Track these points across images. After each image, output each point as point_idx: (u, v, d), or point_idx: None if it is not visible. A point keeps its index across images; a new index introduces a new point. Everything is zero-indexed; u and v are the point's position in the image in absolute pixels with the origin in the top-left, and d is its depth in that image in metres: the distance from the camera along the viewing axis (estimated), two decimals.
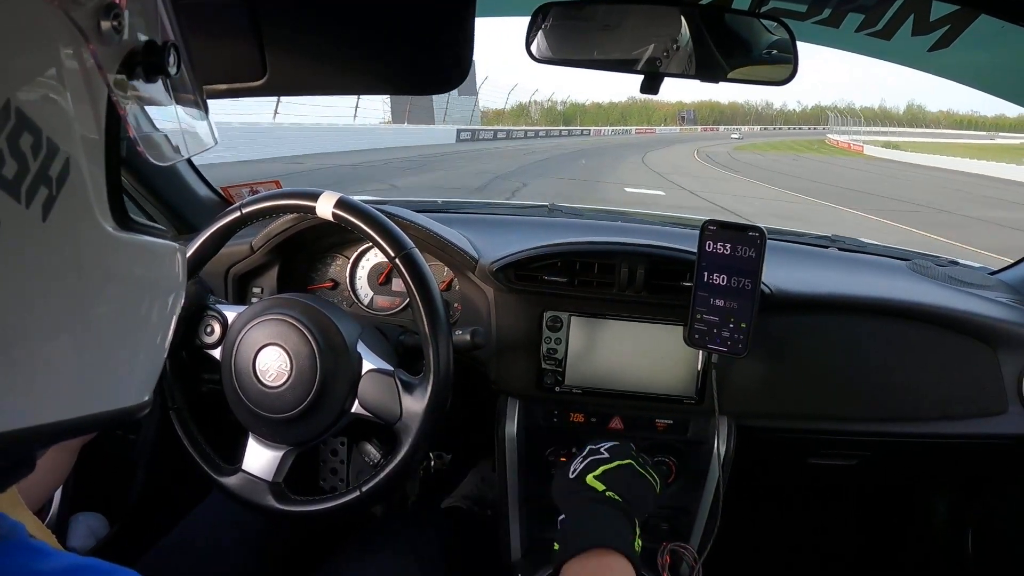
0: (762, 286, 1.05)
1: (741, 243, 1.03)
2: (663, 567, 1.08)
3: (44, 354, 0.34)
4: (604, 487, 0.86)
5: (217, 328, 0.97)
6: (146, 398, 0.43)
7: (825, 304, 1.14)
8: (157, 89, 0.41)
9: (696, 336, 1.06)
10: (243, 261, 1.17)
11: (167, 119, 0.43)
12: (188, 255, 0.98)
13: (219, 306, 0.99)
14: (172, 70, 0.40)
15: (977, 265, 1.44)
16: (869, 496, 1.67)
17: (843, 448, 1.24)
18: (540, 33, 0.99)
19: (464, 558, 1.16)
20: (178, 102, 0.43)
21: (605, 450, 0.93)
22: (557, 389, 1.11)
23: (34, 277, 0.33)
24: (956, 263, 1.43)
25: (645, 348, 1.11)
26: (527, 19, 0.99)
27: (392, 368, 0.92)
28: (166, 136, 0.44)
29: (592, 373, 1.11)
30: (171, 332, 0.46)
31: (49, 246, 0.33)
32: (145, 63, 0.39)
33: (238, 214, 0.94)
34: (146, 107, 0.41)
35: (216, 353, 0.97)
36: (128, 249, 0.39)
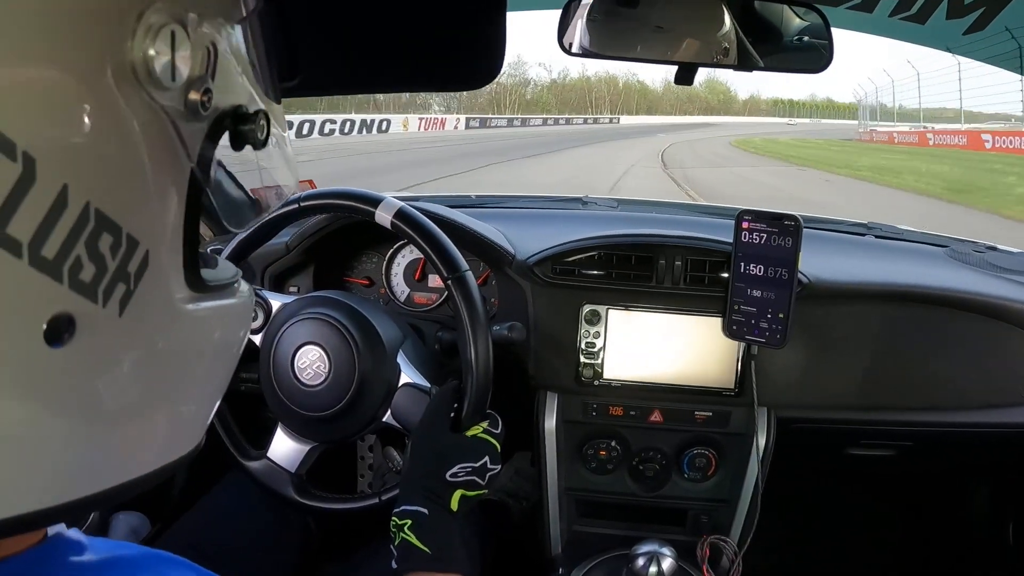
0: (799, 276, 1.04)
1: (777, 232, 1.03)
2: (703, 560, 1.08)
3: (131, 427, 0.36)
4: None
5: (261, 314, 0.98)
6: (204, 435, 0.44)
7: (863, 293, 1.13)
8: (242, 156, 0.40)
9: (734, 327, 1.05)
10: (279, 261, 1.18)
11: (251, 181, 0.43)
12: (239, 239, 0.99)
13: (264, 293, 1.00)
14: (261, 138, 0.39)
15: (1016, 250, 1.42)
16: (909, 487, 1.65)
17: (883, 439, 1.23)
18: (574, 26, 0.98)
19: (503, 552, 1.17)
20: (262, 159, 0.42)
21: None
22: (596, 383, 1.11)
23: (115, 366, 0.33)
24: (995, 248, 1.41)
25: (684, 340, 1.10)
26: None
27: (429, 386, 0.93)
28: (248, 197, 0.44)
29: (631, 366, 1.11)
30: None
31: (128, 337, 0.33)
32: (233, 132, 0.38)
33: (296, 206, 0.95)
34: (227, 175, 0.41)
35: (256, 339, 0.97)
36: (205, 319, 0.39)
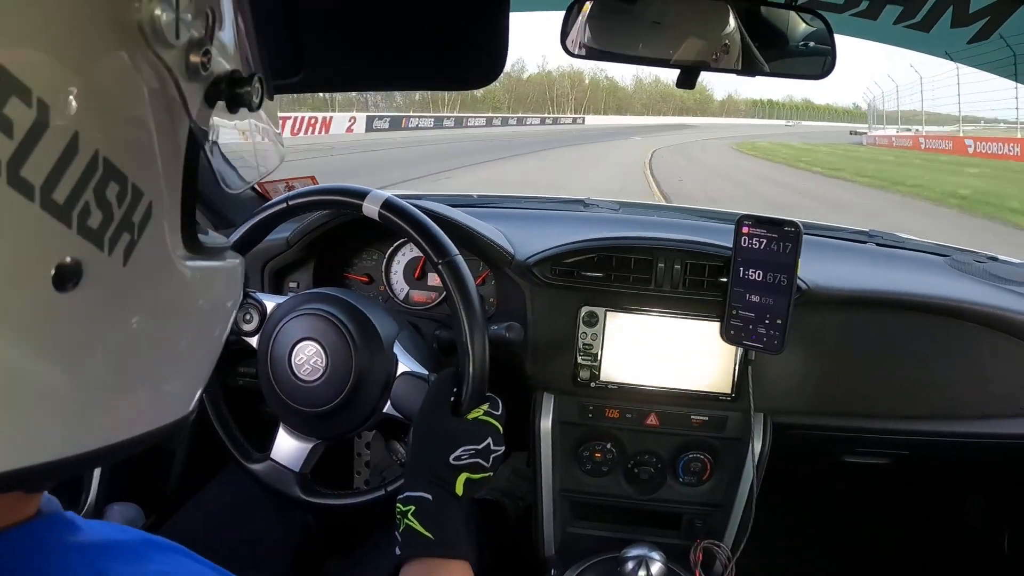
0: (798, 282, 1.04)
1: (777, 238, 1.03)
2: (696, 564, 1.08)
3: (126, 383, 0.36)
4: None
5: (256, 316, 0.98)
6: (195, 404, 0.44)
7: (863, 300, 1.13)
8: (238, 119, 0.41)
9: (732, 332, 1.05)
10: (279, 256, 1.18)
11: (243, 147, 0.44)
12: (232, 241, 0.99)
13: (258, 295, 1.00)
14: (256, 103, 0.40)
15: (1017, 261, 1.41)
16: (904, 496, 1.65)
17: (879, 447, 1.22)
18: (577, 27, 0.99)
19: (497, 551, 1.17)
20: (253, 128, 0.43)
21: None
22: (592, 385, 1.11)
23: (116, 318, 0.34)
24: (995, 259, 1.41)
25: (681, 344, 1.10)
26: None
27: (427, 372, 0.93)
28: (242, 161, 0.44)
29: (628, 369, 1.11)
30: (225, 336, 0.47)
31: (129, 288, 0.34)
32: (228, 95, 0.39)
33: (284, 205, 0.95)
34: (223, 137, 0.41)
35: (253, 341, 0.98)
36: (199, 279, 0.40)
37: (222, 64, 0.38)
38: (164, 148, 0.35)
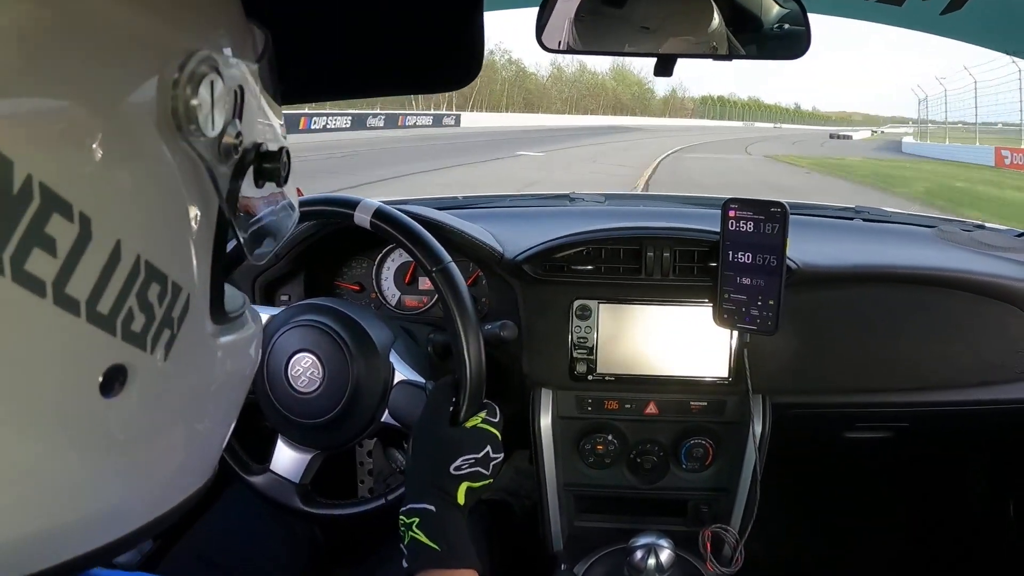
0: (788, 262, 1.04)
1: (764, 219, 1.03)
2: (706, 551, 1.08)
3: (168, 462, 0.36)
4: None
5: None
6: (218, 463, 0.44)
7: (853, 276, 1.14)
8: (265, 191, 0.40)
9: (725, 316, 1.06)
10: (269, 270, 1.18)
11: (267, 215, 0.43)
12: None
13: (252, 308, 1.00)
14: (283, 176, 0.40)
15: (1004, 228, 1.42)
16: (907, 470, 1.66)
17: (879, 420, 1.23)
18: (555, 23, 0.98)
19: (505, 550, 1.17)
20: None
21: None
22: (590, 378, 1.12)
23: (160, 409, 0.34)
24: (983, 227, 1.42)
25: (675, 331, 1.10)
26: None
27: (423, 381, 0.93)
28: (267, 229, 0.43)
29: (624, 360, 1.11)
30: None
31: (171, 379, 0.34)
32: (257, 169, 0.38)
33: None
34: (250, 210, 0.41)
35: None
36: (230, 352, 0.40)
37: (249, 138, 0.37)
38: (199, 236, 0.35)
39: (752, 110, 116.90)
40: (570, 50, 1.03)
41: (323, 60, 0.63)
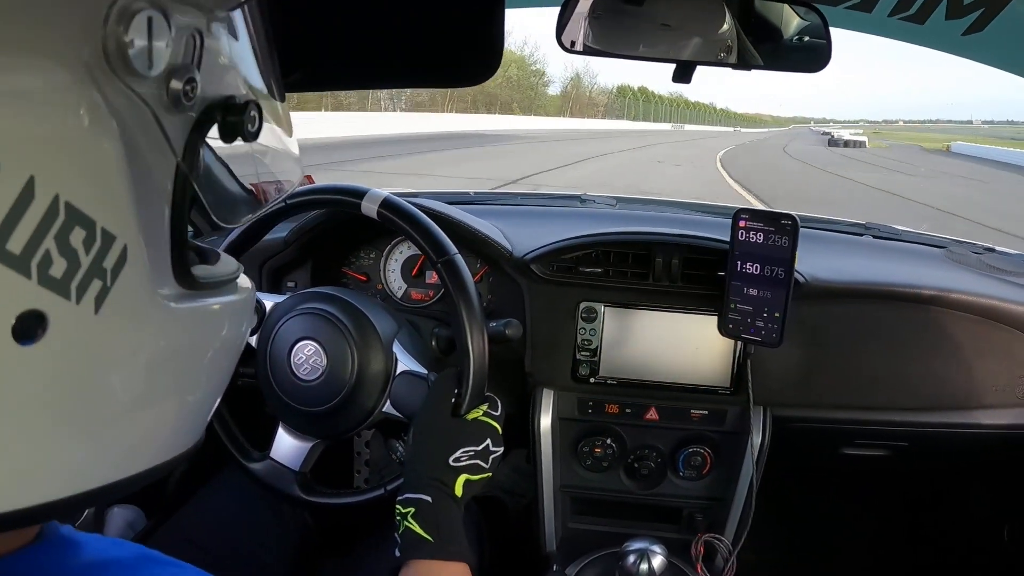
0: (796, 275, 1.04)
1: (774, 231, 1.03)
2: (697, 558, 1.08)
3: (119, 425, 0.35)
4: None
5: (254, 316, 0.99)
6: (203, 432, 0.43)
7: (860, 293, 1.13)
8: (235, 148, 0.38)
9: (730, 326, 1.05)
10: (277, 255, 1.18)
11: (246, 174, 0.41)
12: (230, 239, 0.99)
13: (256, 294, 1.00)
14: (252, 130, 0.37)
15: (1014, 252, 1.42)
16: (904, 487, 1.65)
17: (878, 438, 1.23)
18: (575, 23, 0.98)
19: (499, 548, 1.17)
20: (258, 150, 0.40)
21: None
22: (592, 380, 1.12)
23: (94, 365, 0.32)
24: (993, 250, 1.41)
25: (680, 338, 1.10)
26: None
27: (426, 372, 0.93)
28: (243, 192, 0.42)
29: (627, 364, 1.11)
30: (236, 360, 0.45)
31: (104, 336, 0.32)
32: (222, 124, 0.36)
33: (283, 203, 0.95)
34: (220, 168, 0.39)
35: (252, 341, 0.98)
36: (194, 317, 0.38)
37: (215, 90, 0.36)
38: (142, 186, 0.33)
39: (681, 109, 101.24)
40: (587, 50, 1.03)
41: (348, 50, 0.63)
